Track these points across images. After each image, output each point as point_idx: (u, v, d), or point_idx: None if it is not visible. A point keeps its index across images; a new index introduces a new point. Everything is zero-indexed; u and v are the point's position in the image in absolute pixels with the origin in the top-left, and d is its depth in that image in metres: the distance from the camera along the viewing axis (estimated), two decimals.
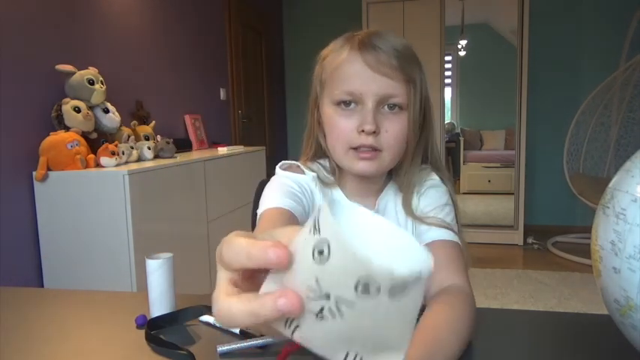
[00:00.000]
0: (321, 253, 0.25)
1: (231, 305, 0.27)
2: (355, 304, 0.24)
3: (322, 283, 0.25)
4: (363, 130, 0.70)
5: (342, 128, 0.73)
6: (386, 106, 0.72)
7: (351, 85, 0.71)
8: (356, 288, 0.24)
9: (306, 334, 0.27)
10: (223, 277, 0.30)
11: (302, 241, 0.27)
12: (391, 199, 0.82)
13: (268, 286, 0.28)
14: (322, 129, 0.79)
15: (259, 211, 0.73)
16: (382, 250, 0.28)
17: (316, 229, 0.26)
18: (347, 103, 0.72)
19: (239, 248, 0.28)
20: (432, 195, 0.80)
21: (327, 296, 0.25)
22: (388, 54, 0.70)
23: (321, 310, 0.25)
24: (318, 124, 0.80)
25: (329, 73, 0.75)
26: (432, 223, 0.75)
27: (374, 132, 0.70)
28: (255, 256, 0.27)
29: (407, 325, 0.26)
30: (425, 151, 0.81)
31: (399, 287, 0.24)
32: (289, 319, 0.27)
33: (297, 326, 0.27)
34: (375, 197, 0.82)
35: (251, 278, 0.30)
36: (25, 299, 0.88)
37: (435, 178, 0.82)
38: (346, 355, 0.27)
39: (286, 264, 0.26)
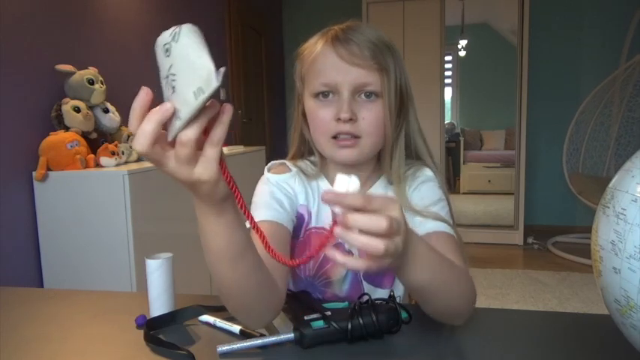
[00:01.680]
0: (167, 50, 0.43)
1: (135, 139, 0.42)
2: (172, 49, 0.43)
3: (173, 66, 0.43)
4: (340, 119, 0.74)
5: (321, 118, 0.77)
6: (362, 95, 0.75)
7: (327, 76, 0.75)
8: (169, 43, 0.43)
9: (181, 108, 0.42)
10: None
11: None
12: (382, 192, 0.83)
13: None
14: (307, 123, 0.83)
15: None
16: None
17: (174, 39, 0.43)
18: (325, 94, 0.76)
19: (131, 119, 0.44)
20: (425, 190, 0.81)
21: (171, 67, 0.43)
22: (360, 46, 0.74)
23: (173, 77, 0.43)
24: (304, 118, 0.83)
25: (306, 67, 0.79)
26: (427, 216, 0.75)
27: (350, 119, 0.74)
28: (134, 109, 0.44)
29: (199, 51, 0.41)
30: (407, 140, 0.82)
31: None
32: (175, 119, 0.42)
33: (177, 118, 0.42)
34: (365, 190, 0.82)
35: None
36: (25, 299, 0.88)
37: (427, 173, 0.83)
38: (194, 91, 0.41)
39: (148, 92, 0.45)
